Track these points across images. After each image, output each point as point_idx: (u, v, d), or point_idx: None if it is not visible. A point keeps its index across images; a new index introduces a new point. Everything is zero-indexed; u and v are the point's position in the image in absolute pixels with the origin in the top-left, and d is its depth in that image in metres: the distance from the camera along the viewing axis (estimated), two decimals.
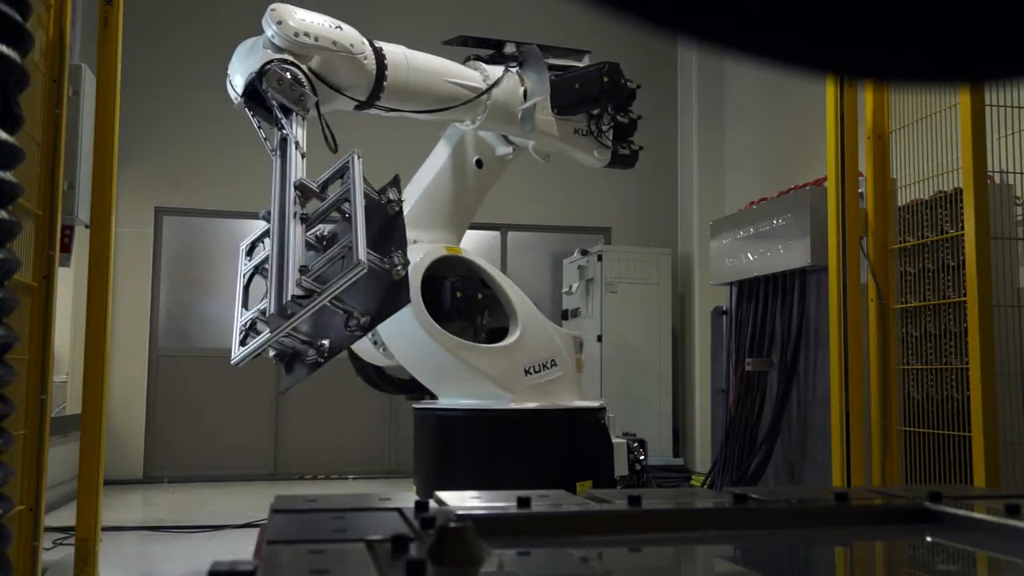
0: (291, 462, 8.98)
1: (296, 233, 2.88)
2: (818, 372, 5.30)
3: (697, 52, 9.02)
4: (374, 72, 3.48)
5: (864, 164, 4.34)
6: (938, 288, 4.04)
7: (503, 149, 4.18)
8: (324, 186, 3.13)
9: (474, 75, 3.87)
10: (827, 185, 4.43)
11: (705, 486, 6.46)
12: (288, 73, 3.14)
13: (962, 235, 3.76)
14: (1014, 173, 3.86)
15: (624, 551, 1.34)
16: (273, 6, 3.25)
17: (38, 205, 3.26)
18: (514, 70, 4.05)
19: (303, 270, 2.79)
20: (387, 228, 3.08)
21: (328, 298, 2.81)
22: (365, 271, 2.76)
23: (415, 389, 4.19)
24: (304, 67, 3.23)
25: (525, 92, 4.07)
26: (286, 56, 3.20)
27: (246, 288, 3.42)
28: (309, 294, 2.77)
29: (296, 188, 2.99)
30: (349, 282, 2.77)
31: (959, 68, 0.48)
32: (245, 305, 3.41)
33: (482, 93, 3.84)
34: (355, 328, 2.91)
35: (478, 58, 4.13)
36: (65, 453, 6.15)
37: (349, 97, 3.44)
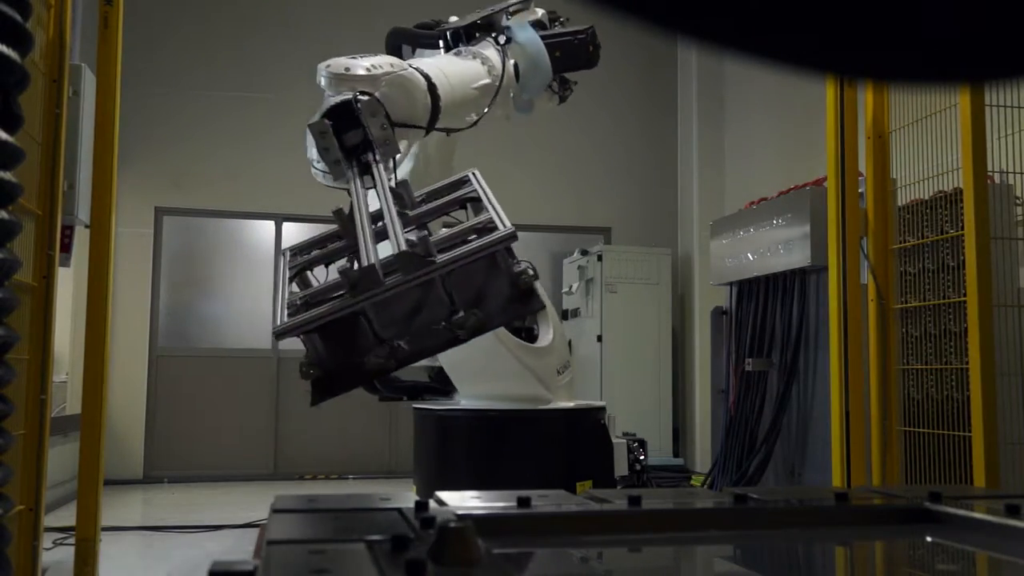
0: (291, 462, 8.98)
1: (396, 211, 2.41)
2: (818, 372, 5.30)
3: (697, 52, 9.02)
4: (427, 91, 3.20)
5: (864, 164, 4.34)
6: (938, 288, 4.04)
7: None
8: (421, 202, 2.76)
9: (482, 71, 3.66)
10: (827, 185, 4.43)
11: (705, 486, 6.46)
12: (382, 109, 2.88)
13: (962, 235, 3.76)
14: (1014, 173, 3.86)
15: (624, 551, 1.34)
16: (327, 63, 2.99)
17: (38, 205, 3.26)
18: (501, 44, 3.83)
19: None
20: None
21: (464, 260, 2.16)
22: (516, 240, 2.23)
23: (409, 393, 4.14)
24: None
25: (516, 67, 3.84)
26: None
27: (291, 280, 2.87)
28: (424, 256, 2.14)
29: (392, 191, 2.58)
30: (499, 247, 2.19)
31: (959, 68, 0.48)
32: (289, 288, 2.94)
33: (495, 94, 3.64)
34: (459, 327, 2.22)
35: (456, 37, 3.88)
36: (65, 453, 6.15)
37: (415, 127, 3.15)
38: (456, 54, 3.76)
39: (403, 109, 3.07)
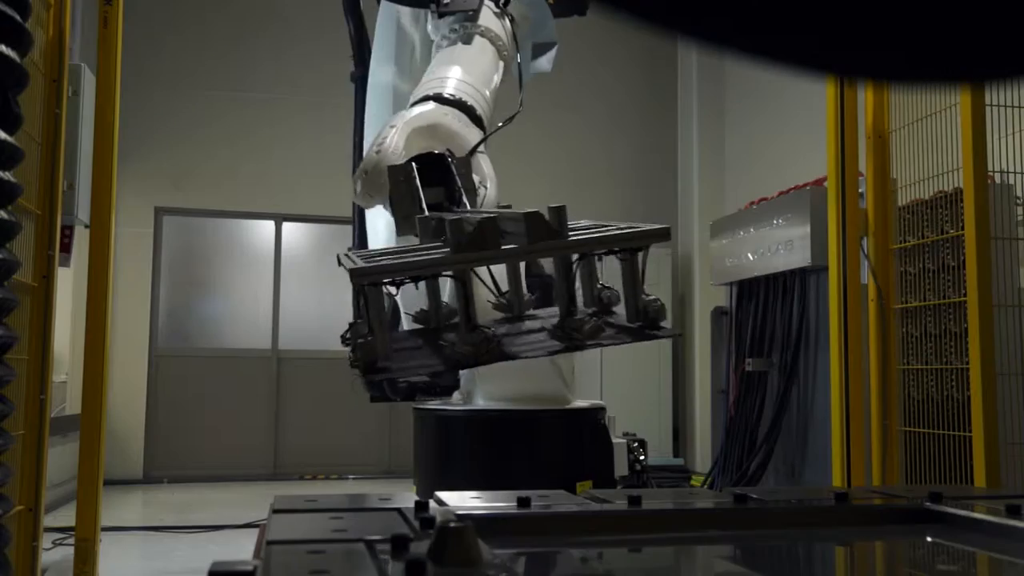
0: (291, 462, 8.98)
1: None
2: (818, 372, 5.30)
3: (697, 52, 9.02)
4: (475, 124, 2.92)
5: (864, 164, 4.34)
6: (938, 288, 4.04)
7: None
8: None
9: (497, 61, 3.34)
10: (827, 185, 4.43)
11: (705, 486, 6.46)
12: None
13: (962, 235, 3.76)
14: (1014, 173, 3.86)
15: (624, 551, 1.34)
16: (365, 168, 2.63)
17: (38, 205, 3.26)
18: (501, 7, 3.47)
19: None
20: None
21: (604, 246, 1.73)
22: (668, 239, 1.80)
23: (404, 394, 4.09)
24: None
25: (512, 20, 3.49)
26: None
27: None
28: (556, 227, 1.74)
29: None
30: (650, 240, 1.75)
31: (959, 68, 0.48)
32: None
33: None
34: (575, 329, 1.75)
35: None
36: (65, 453, 6.14)
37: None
38: (465, 39, 3.34)
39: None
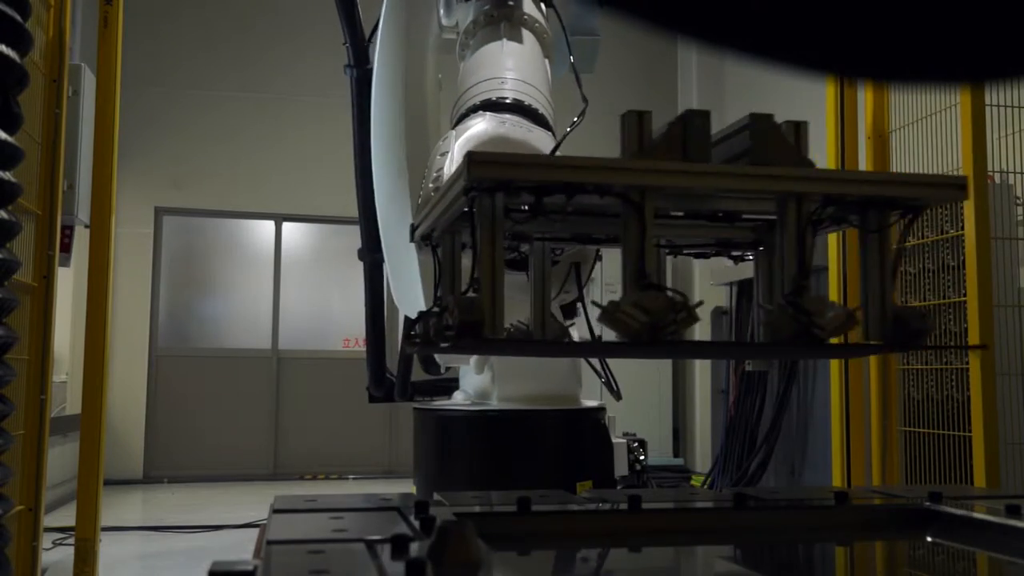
0: (291, 462, 8.98)
1: None
2: (818, 372, 5.30)
3: (697, 52, 9.02)
4: (540, 126, 2.67)
5: (864, 164, 4.34)
6: (938, 288, 4.04)
7: None
8: None
9: (543, 55, 3.03)
10: None
11: (705, 486, 6.46)
12: None
13: (962, 235, 3.76)
14: (1014, 173, 3.86)
15: (624, 551, 1.34)
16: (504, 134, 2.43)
17: (38, 205, 3.26)
18: None
19: None
20: None
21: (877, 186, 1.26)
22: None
23: (410, 395, 4.08)
24: None
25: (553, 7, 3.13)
26: None
27: None
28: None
29: None
30: (938, 194, 1.26)
31: (959, 68, 0.48)
32: None
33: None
34: (812, 313, 1.18)
35: None
36: (65, 453, 6.15)
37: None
38: (511, 32, 2.93)
39: None
